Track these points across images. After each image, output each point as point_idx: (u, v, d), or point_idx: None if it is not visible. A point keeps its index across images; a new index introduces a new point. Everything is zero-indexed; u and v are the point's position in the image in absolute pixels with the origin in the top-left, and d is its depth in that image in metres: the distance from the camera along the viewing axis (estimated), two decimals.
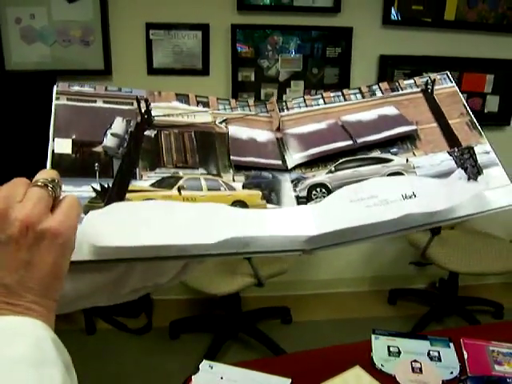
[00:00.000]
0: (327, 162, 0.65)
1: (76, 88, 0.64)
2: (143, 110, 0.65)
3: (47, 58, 2.54)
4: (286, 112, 0.71)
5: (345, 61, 2.69)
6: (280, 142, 0.67)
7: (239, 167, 0.63)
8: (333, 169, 0.64)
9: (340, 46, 2.68)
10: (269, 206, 0.60)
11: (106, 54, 2.55)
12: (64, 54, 2.54)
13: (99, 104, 0.65)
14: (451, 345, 1.12)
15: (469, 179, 0.62)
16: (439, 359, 1.08)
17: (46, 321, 0.42)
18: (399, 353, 1.10)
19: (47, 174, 0.46)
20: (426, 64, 2.65)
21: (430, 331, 2.22)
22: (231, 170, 0.62)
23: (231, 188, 0.61)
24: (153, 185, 0.59)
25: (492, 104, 2.84)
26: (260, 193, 0.61)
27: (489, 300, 2.87)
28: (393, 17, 2.65)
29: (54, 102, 0.62)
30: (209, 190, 0.59)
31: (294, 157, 0.65)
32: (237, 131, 0.66)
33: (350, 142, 0.67)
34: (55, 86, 0.63)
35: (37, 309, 0.42)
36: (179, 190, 0.58)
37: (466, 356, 1.08)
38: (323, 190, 0.62)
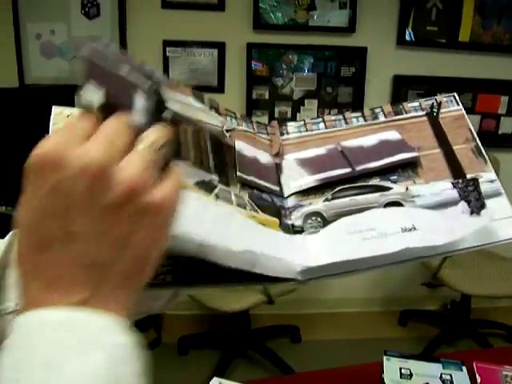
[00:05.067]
0: (325, 188, 0.63)
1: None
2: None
3: (66, 73, 2.59)
4: (285, 136, 0.69)
5: (359, 80, 2.71)
6: (278, 167, 0.66)
7: (243, 184, 0.60)
8: (329, 197, 0.62)
9: (354, 66, 2.70)
10: None
11: None
12: None
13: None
14: (464, 368, 1.10)
15: (471, 213, 0.60)
16: (451, 383, 1.06)
17: (126, 318, 0.35)
18: (411, 375, 1.08)
19: (161, 133, 0.37)
20: (441, 85, 2.65)
21: (441, 354, 2.19)
22: (238, 184, 0.59)
23: (254, 210, 0.58)
24: (196, 183, 0.53)
25: (506, 125, 2.83)
26: (278, 221, 0.59)
27: (501, 323, 2.82)
28: (407, 37, 2.67)
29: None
30: (237, 205, 0.56)
31: (291, 185, 0.64)
32: (243, 147, 0.63)
33: (348, 170, 0.65)
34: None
35: (118, 301, 0.35)
36: (216, 197, 0.54)
37: (478, 380, 1.06)
38: (318, 219, 0.60)
